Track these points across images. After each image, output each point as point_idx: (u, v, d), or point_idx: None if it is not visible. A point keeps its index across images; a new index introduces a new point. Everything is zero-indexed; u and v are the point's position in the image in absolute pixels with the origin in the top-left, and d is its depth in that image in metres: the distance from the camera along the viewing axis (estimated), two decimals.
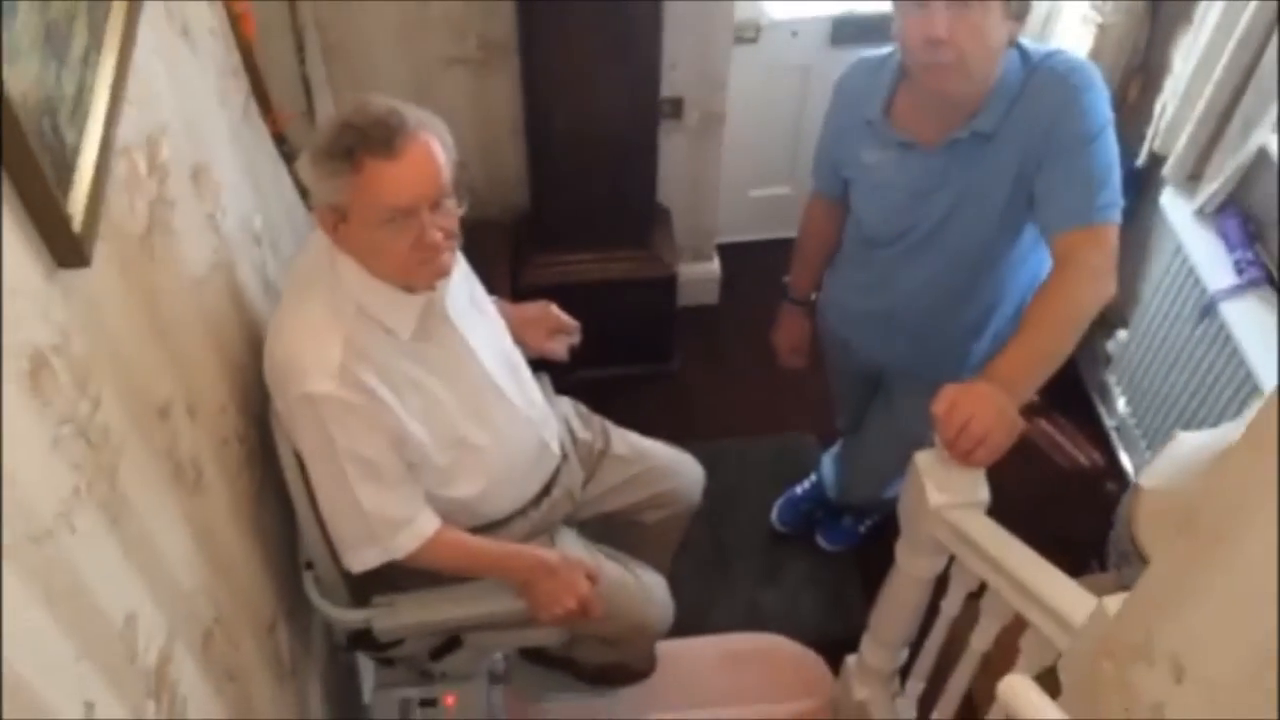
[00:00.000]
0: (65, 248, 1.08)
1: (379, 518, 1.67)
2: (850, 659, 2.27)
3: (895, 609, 2.00)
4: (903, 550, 1.88)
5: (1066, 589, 1.35)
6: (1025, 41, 1.81)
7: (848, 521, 2.95)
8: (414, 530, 1.71)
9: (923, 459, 1.73)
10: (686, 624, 2.67)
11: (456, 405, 1.73)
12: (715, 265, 3.60)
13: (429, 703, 2.12)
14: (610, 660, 2.31)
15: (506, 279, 3.04)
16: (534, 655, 2.37)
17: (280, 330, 1.63)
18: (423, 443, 1.69)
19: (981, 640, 1.62)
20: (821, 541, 3.00)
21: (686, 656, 2.61)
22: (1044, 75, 1.76)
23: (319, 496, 1.68)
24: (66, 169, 1.10)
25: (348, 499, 1.65)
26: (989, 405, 1.61)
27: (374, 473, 1.64)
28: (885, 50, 1.94)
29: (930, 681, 1.92)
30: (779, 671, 2.59)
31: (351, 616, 1.88)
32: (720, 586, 2.94)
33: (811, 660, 2.59)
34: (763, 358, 2.61)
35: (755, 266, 3.45)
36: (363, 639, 1.93)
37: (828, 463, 2.90)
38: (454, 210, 1.60)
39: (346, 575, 1.80)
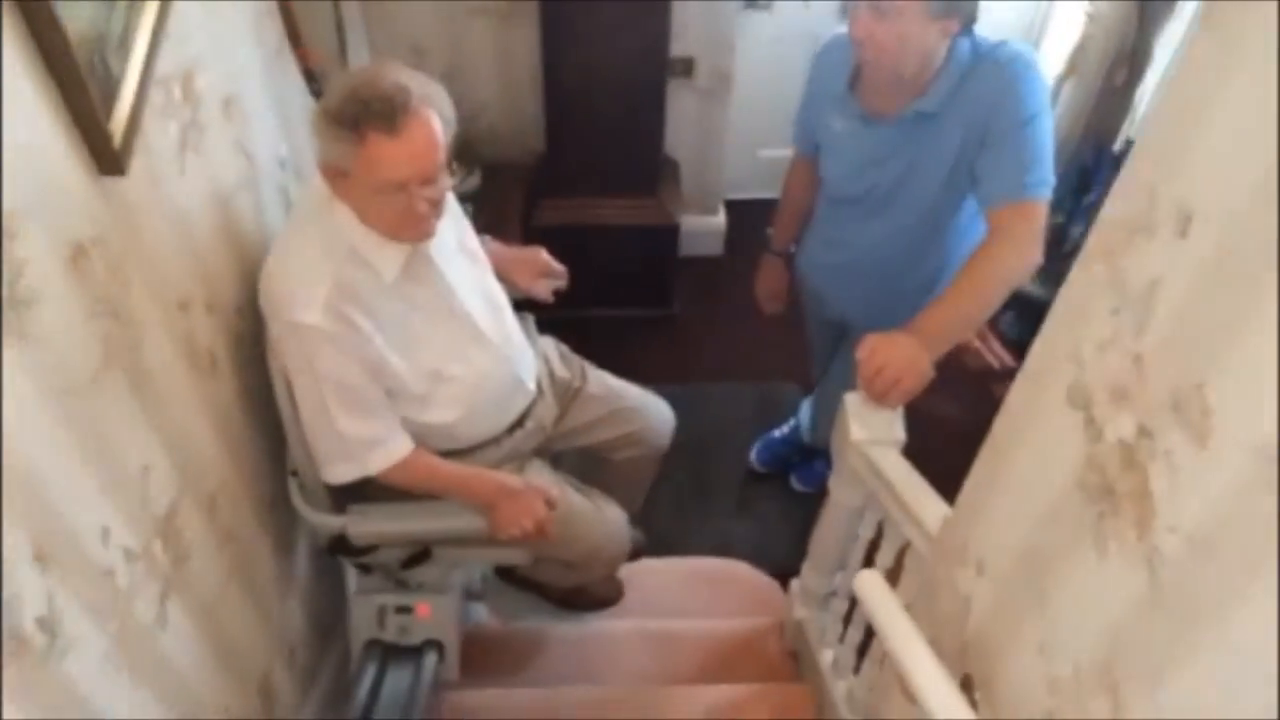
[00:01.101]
0: (106, 159, 1.33)
1: (354, 438, 1.80)
2: (794, 583, 2.50)
3: (828, 536, 2.22)
4: (834, 482, 2.10)
5: (940, 515, 1.57)
6: (978, 33, 1.98)
7: (820, 465, 3.16)
8: (386, 451, 1.85)
9: (850, 399, 1.94)
10: (661, 548, 2.92)
11: (436, 340, 1.86)
12: (721, 219, 3.81)
13: (404, 609, 2.27)
14: (573, 583, 2.50)
15: (519, 218, 3.27)
16: (507, 577, 2.56)
17: (277, 262, 1.76)
18: (401, 373, 1.81)
19: (883, 559, 1.84)
20: (795, 483, 3.24)
21: (654, 574, 2.86)
22: (988, 64, 1.94)
23: (301, 414, 1.81)
24: (111, 94, 1.34)
25: (325, 419, 1.78)
26: (904, 353, 1.82)
27: (351, 398, 1.77)
28: None
29: (851, 601, 2.14)
30: (737, 592, 2.83)
31: (327, 521, 2.01)
32: (696, 517, 3.18)
33: (768, 584, 2.83)
34: (757, 310, 2.80)
35: (760, 223, 3.62)
36: (340, 544, 2.06)
37: (805, 408, 3.12)
38: (445, 184, 1.71)
39: (328, 485, 1.93)
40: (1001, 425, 1.20)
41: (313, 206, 1.78)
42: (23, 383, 1.15)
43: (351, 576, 2.41)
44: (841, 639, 2.19)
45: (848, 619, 2.19)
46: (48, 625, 1.20)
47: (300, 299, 1.69)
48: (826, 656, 2.29)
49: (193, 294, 1.65)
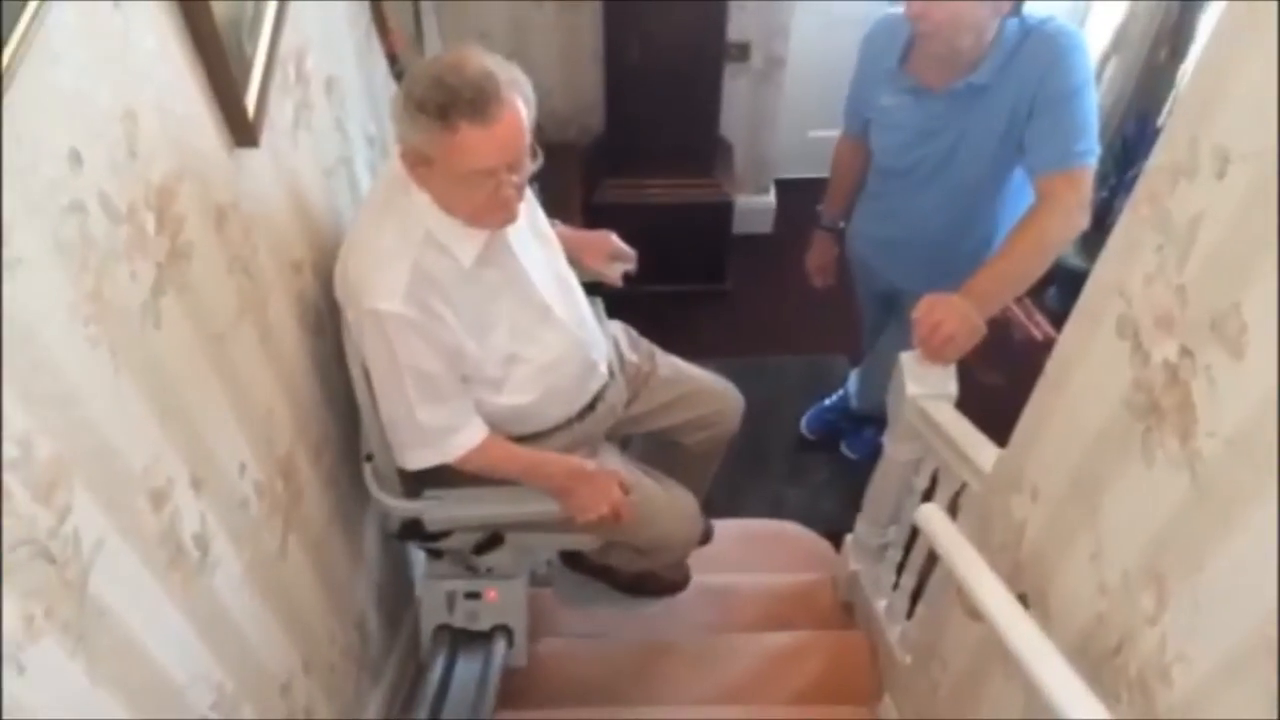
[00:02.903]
0: (243, 132, 1.48)
1: (432, 425, 1.80)
2: (848, 538, 2.63)
3: (883, 490, 2.35)
4: (889, 438, 2.22)
5: (993, 456, 1.69)
6: (1026, 10, 2.10)
7: (870, 433, 3.27)
8: (464, 437, 1.84)
9: (906, 358, 2.06)
10: (718, 511, 3.05)
11: (511, 324, 1.84)
12: (771, 198, 3.93)
13: (473, 595, 2.29)
14: (642, 569, 2.45)
15: (579, 197, 3.41)
16: (574, 563, 2.50)
17: (355, 248, 1.74)
18: (477, 358, 1.81)
19: (940, 502, 1.96)
20: (845, 450, 3.36)
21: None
22: (1036, 38, 2.05)
23: (379, 401, 1.81)
24: (245, 72, 1.49)
25: (405, 407, 1.77)
26: (957, 312, 1.95)
27: (430, 385, 1.76)
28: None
29: (905, 551, 2.27)
30: (789, 550, 2.96)
31: (405, 506, 2.03)
32: (751, 482, 3.31)
33: (819, 543, 2.96)
34: (807, 285, 2.91)
35: (809, 202, 3.75)
36: (413, 529, 2.08)
37: (853, 378, 3.25)
38: (529, 167, 1.68)
39: (401, 470, 1.95)
40: (1055, 363, 1.32)
41: (389, 193, 1.76)
42: (184, 326, 1.30)
43: (419, 566, 2.46)
44: (895, 586, 2.32)
45: (901, 568, 2.31)
46: (201, 542, 1.35)
47: (380, 286, 1.67)
48: (880, 604, 2.42)
49: (304, 258, 1.81)
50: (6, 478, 0.92)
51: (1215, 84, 0.94)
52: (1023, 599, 1.40)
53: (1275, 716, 0.89)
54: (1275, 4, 0.82)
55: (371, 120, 2.29)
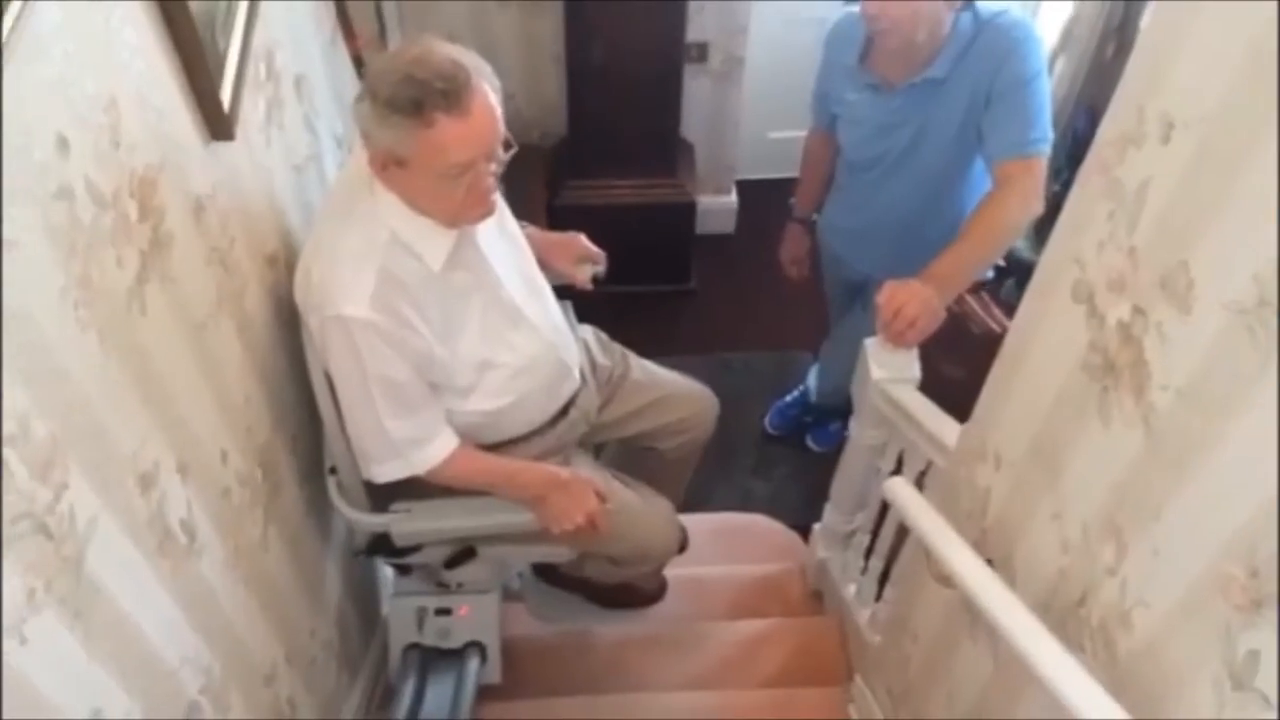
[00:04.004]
0: (218, 125, 1.50)
1: (401, 437, 1.73)
2: (816, 527, 2.68)
3: (850, 476, 2.40)
4: (855, 424, 2.28)
5: (956, 431, 1.74)
6: (979, 3, 2.16)
7: (835, 426, 3.33)
8: (434, 448, 1.77)
9: (869, 344, 2.11)
10: (688, 506, 3.09)
11: (481, 328, 1.78)
12: (733, 198, 3.99)
13: (444, 611, 2.20)
14: (619, 580, 2.38)
15: (543, 199, 3.44)
16: (548, 576, 2.45)
17: (317, 253, 1.67)
18: (448, 364, 1.75)
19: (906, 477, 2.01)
20: (811, 443, 3.41)
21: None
22: (991, 30, 2.12)
23: (345, 412, 1.74)
24: (220, 67, 1.51)
25: (372, 417, 1.70)
26: (918, 297, 2.00)
27: (399, 394, 1.70)
28: None
29: (872, 536, 2.33)
30: (759, 542, 3.00)
31: (372, 520, 1.94)
32: (719, 476, 3.35)
33: (787, 534, 3.01)
34: (771, 283, 2.96)
35: (770, 201, 3.83)
36: (381, 543, 2.00)
37: (812, 373, 3.30)
38: (504, 157, 1.63)
39: (367, 483, 1.86)
40: (1014, 334, 1.38)
41: (350, 195, 1.70)
42: (166, 314, 1.32)
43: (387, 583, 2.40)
44: (864, 570, 2.37)
45: (869, 552, 2.36)
46: (187, 527, 1.37)
47: (346, 291, 1.61)
48: (849, 590, 2.47)
49: (277, 251, 1.83)
50: (6, 453, 0.94)
51: (1159, 56, 1.00)
52: (990, 564, 1.45)
53: (1225, 650, 0.95)
54: None
55: (339, 119, 2.32)
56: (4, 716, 0.94)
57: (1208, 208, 0.93)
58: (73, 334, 1.08)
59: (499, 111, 1.58)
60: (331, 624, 2.11)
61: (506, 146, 1.63)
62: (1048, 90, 2.13)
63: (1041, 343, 1.29)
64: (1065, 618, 1.25)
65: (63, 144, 1.07)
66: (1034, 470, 1.33)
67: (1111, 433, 1.13)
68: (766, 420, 3.49)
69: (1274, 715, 0.90)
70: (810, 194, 2.76)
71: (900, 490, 1.62)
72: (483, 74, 1.56)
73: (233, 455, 1.56)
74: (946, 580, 1.46)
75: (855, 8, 2.30)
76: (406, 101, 1.49)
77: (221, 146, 1.54)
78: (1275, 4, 0.82)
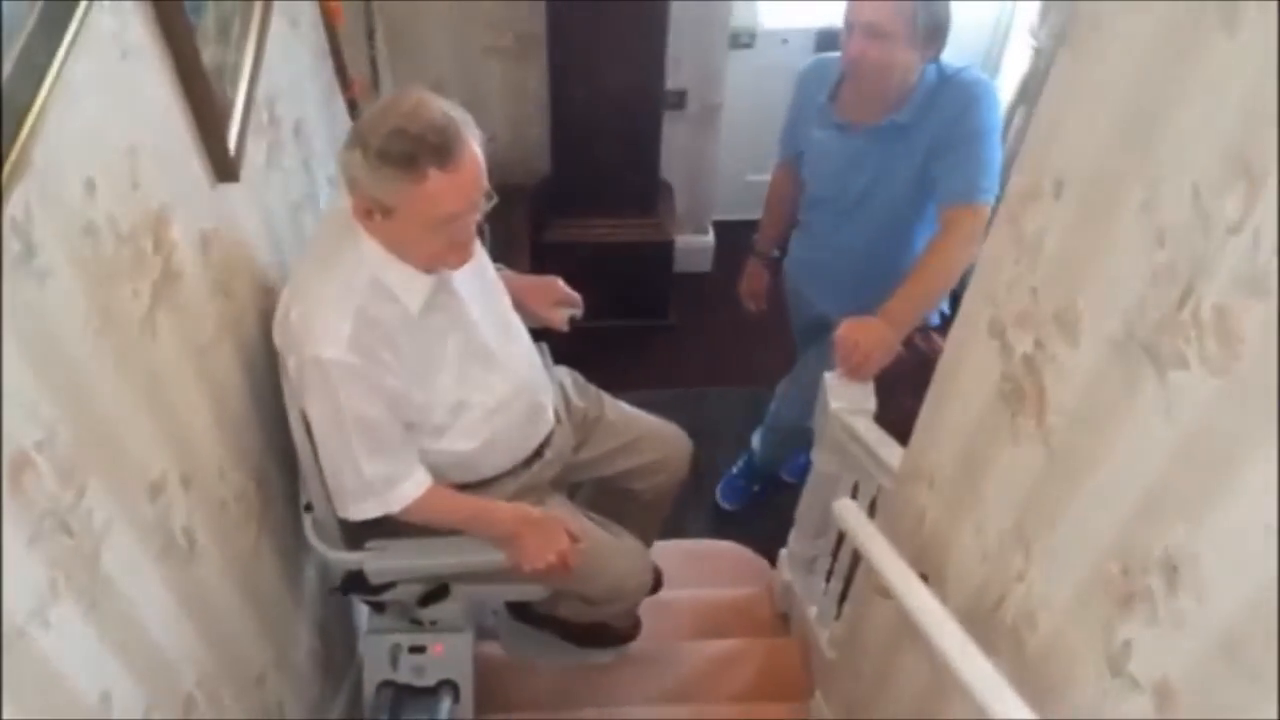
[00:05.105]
0: (224, 168, 1.64)
1: (376, 476, 1.76)
2: (782, 551, 2.81)
3: (812, 502, 2.53)
4: (816, 452, 2.41)
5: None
6: (944, 59, 2.31)
7: (804, 458, 3.45)
8: (408, 487, 1.80)
9: (828, 377, 2.25)
10: (663, 533, 3.22)
11: (456, 369, 1.82)
12: (710, 238, 4.15)
13: (417, 649, 2.23)
14: (592, 620, 2.42)
15: (527, 237, 3.59)
16: (522, 614, 2.47)
17: (297, 294, 1.72)
18: (423, 404, 1.79)
19: (861, 505, 2.15)
20: (784, 475, 3.53)
21: (655, 555, 3.15)
22: (955, 83, 2.27)
23: (320, 451, 1.77)
24: (227, 115, 1.66)
25: (348, 457, 1.74)
26: (874, 333, 2.15)
27: (374, 434, 1.73)
28: (836, 54, 2.41)
29: (831, 561, 2.46)
30: (729, 567, 3.13)
31: (346, 558, 1.97)
32: (693, 505, 3.48)
33: (756, 560, 3.13)
34: (745, 320, 3.07)
35: (746, 241, 3.97)
36: (356, 581, 2.02)
37: (755, 438, 3.40)
38: (486, 207, 1.68)
39: (342, 521, 1.89)
40: (943, 364, 1.53)
41: (333, 239, 1.75)
42: (174, 339, 1.46)
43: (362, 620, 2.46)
44: (825, 592, 2.50)
45: (829, 576, 2.49)
46: (188, 534, 1.50)
47: (324, 334, 1.65)
48: (812, 611, 2.59)
49: (276, 284, 1.96)
50: (35, 456, 1.07)
51: (1051, 125, 1.15)
52: (924, 578, 1.58)
53: (1106, 640, 1.08)
54: (1099, 57, 1.03)
55: (333, 162, 2.46)
56: (28, 692, 1.06)
57: (1088, 254, 1.08)
58: (94, 355, 1.21)
59: (483, 163, 1.63)
60: (315, 634, 2.23)
61: (488, 196, 1.67)
62: (999, 147, 2.28)
63: (965, 373, 1.43)
64: (985, 623, 1.38)
65: (90, 186, 1.21)
66: (960, 488, 1.47)
67: (1020, 452, 1.26)
68: (719, 496, 3.49)
69: (1143, 697, 1.03)
70: (772, 229, 2.87)
71: (846, 509, 1.76)
72: (469, 125, 1.61)
73: (229, 470, 1.69)
74: (884, 591, 1.59)
75: (832, 54, 2.44)
76: (399, 155, 1.54)
77: (227, 187, 1.68)
78: (1132, 84, 0.98)
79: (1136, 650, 1.04)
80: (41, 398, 1.09)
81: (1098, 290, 1.07)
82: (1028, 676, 1.27)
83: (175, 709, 1.45)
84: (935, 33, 2.21)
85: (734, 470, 3.51)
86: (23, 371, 1.05)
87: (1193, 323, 0.90)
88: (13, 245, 1.03)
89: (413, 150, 1.54)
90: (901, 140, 2.34)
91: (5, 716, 1.02)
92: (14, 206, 1.02)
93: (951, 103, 2.26)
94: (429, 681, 2.24)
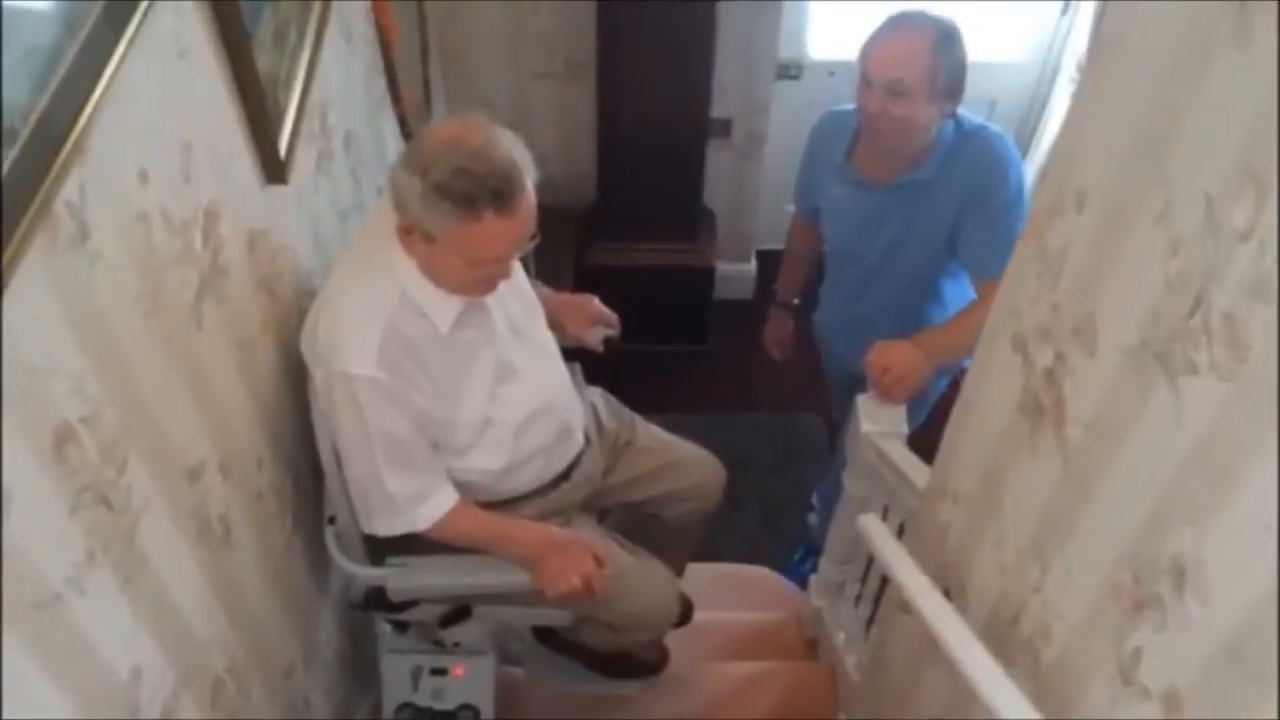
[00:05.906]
0: (274, 170, 1.71)
1: (402, 493, 1.76)
2: (812, 576, 2.81)
3: (842, 527, 2.53)
4: (847, 476, 2.42)
5: None
6: (962, 113, 2.26)
7: None
8: (434, 505, 1.80)
9: (861, 399, 2.26)
10: (695, 555, 3.23)
11: (484, 387, 1.81)
12: (752, 266, 4.18)
13: (439, 671, 2.21)
14: (616, 647, 2.37)
15: (572, 257, 3.65)
16: (548, 640, 2.42)
17: (327, 305, 1.71)
18: (450, 421, 1.78)
19: (890, 527, 2.15)
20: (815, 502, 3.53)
21: (686, 578, 3.15)
22: (975, 142, 2.22)
23: (346, 466, 1.77)
24: (279, 119, 1.72)
25: (373, 473, 1.73)
26: (906, 357, 2.15)
27: (400, 451, 1.72)
28: (851, 106, 2.35)
29: (860, 585, 2.46)
30: (759, 592, 3.13)
31: (368, 573, 1.97)
32: (727, 530, 3.47)
33: (786, 585, 3.13)
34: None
35: None
36: (377, 598, 2.01)
37: (812, 518, 3.36)
38: (528, 247, 1.68)
39: (366, 536, 1.89)
40: (968, 381, 1.54)
41: (369, 251, 1.75)
42: (217, 332, 1.51)
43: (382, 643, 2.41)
44: (853, 617, 2.49)
45: (857, 600, 2.49)
46: (224, 521, 1.54)
47: (352, 347, 1.65)
48: (840, 637, 2.59)
49: (319, 289, 2.02)
50: (80, 430, 1.12)
51: (1075, 140, 1.17)
52: (947, 594, 1.59)
53: (1118, 649, 1.08)
54: (1116, 76, 1.05)
55: (382, 174, 2.53)
56: (60, 659, 1.10)
57: (1107, 265, 1.09)
58: (141, 338, 1.27)
59: (535, 206, 1.62)
60: (345, 636, 2.26)
61: (531, 237, 1.67)
62: (1026, 208, 2.21)
63: (989, 387, 1.44)
64: (1003, 635, 1.38)
65: (144, 176, 1.26)
66: (982, 503, 1.48)
67: (1038, 464, 1.27)
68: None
69: (1152, 705, 1.04)
70: (792, 280, 2.87)
71: (870, 524, 1.76)
72: (529, 169, 1.59)
73: (267, 463, 1.74)
74: (905, 606, 1.59)
75: (847, 105, 2.39)
76: (460, 194, 1.53)
77: (276, 190, 1.74)
78: (1151, 96, 1.00)
79: (1146, 658, 1.04)
80: (88, 374, 1.14)
81: (1114, 300, 1.09)
82: (1043, 689, 1.27)
83: (204, 691, 1.48)
84: (954, 88, 2.16)
85: (795, 559, 3.37)
86: (72, 348, 1.10)
87: (1203, 329, 0.91)
88: (68, 226, 1.08)
89: (473, 192, 1.53)
90: (925, 197, 2.27)
91: (39, 686, 1.06)
92: (69, 190, 1.07)
93: (977, 161, 2.20)
94: (449, 705, 2.21)
